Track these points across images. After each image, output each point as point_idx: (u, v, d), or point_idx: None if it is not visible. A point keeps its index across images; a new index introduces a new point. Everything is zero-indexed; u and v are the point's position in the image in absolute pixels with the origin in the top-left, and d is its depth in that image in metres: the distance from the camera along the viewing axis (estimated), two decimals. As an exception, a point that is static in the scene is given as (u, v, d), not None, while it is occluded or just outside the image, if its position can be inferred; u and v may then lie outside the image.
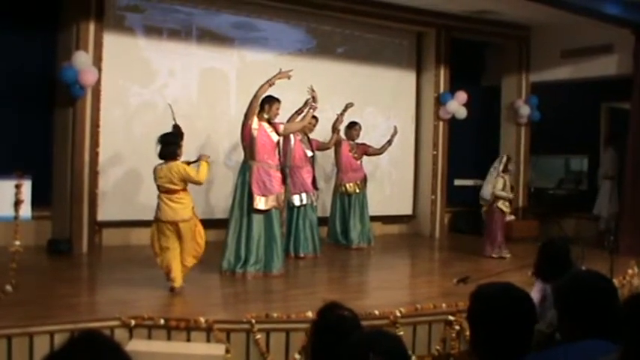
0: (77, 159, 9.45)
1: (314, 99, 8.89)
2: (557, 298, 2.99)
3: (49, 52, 9.71)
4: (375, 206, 11.60)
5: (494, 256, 10.09)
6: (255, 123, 8.20)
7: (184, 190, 7.09)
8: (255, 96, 8.18)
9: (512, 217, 10.76)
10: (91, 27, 9.48)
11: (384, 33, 12.58)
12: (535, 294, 5.11)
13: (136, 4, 10.18)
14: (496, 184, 10.21)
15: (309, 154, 10.02)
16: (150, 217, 7.30)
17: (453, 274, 8.34)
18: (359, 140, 11.00)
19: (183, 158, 7.25)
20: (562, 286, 3.00)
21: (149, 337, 5.89)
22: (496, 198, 10.21)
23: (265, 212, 8.19)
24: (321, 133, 10.61)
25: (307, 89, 8.94)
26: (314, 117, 9.63)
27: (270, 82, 8.14)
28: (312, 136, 10.23)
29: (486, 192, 10.39)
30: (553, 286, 3.14)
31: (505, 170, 10.34)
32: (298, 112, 9.44)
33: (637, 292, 5.27)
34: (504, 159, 10.48)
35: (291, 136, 9.61)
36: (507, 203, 10.35)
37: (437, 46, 12.71)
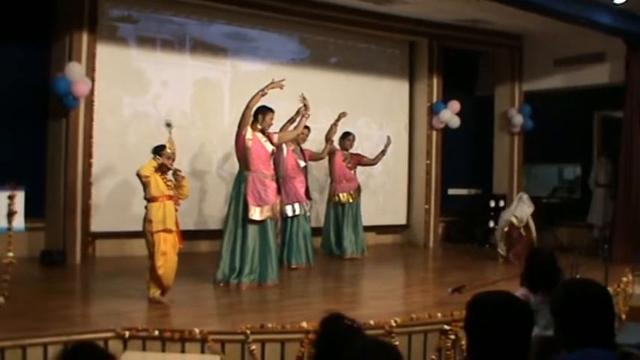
0: (70, 170, 9.43)
1: (306, 107, 8.89)
2: (554, 306, 2.99)
3: (42, 63, 9.69)
4: (369, 216, 11.60)
5: None
6: (249, 133, 8.18)
7: (146, 199, 7.08)
8: (248, 107, 8.17)
9: None
10: (84, 38, 9.48)
11: (376, 43, 12.62)
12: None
13: (129, 14, 10.19)
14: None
15: (302, 164, 10.00)
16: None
17: (448, 284, 8.33)
18: (353, 150, 11.00)
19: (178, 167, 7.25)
20: (558, 294, 3.00)
21: (143, 348, 5.86)
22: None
23: (260, 223, 8.17)
24: (315, 143, 10.62)
25: (298, 97, 8.94)
26: (306, 127, 9.64)
27: (262, 93, 8.13)
28: (305, 146, 10.23)
29: (526, 213, 10.66)
30: (551, 295, 3.13)
31: None
32: (290, 121, 9.44)
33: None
34: None
35: (284, 146, 9.59)
36: None
37: (429, 55, 12.75)
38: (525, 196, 10.77)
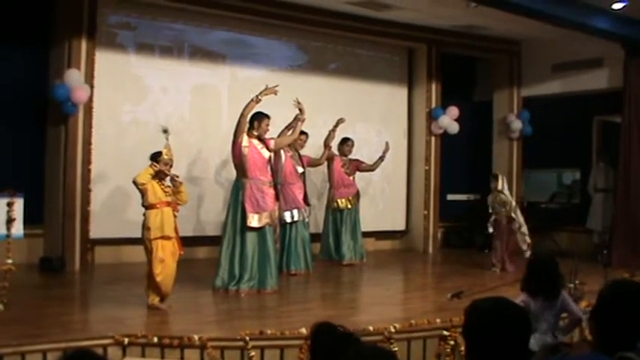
0: (69, 176, 9.43)
1: (301, 111, 8.85)
2: (601, 305, 2.95)
3: (41, 69, 9.70)
4: (368, 222, 11.60)
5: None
6: (245, 141, 8.16)
7: (144, 206, 7.09)
8: (242, 114, 8.14)
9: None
10: (83, 44, 9.48)
11: (375, 49, 12.63)
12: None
13: (128, 21, 10.19)
14: None
15: (300, 170, 10.00)
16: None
17: (447, 289, 8.32)
18: (351, 156, 11.00)
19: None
20: (609, 294, 2.96)
21: (142, 355, 5.85)
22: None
23: (259, 230, 8.16)
24: (313, 148, 10.61)
25: (293, 102, 8.89)
26: (304, 133, 9.64)
27: (256, 100, 8.09)
28: (303, 152, 10.22)
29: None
30: (600, 293, 3.08)
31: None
32: (288, 127, 9.42)
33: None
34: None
35: (282, 152, 9.60)
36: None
37: (428, 61, 12.76)
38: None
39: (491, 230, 10.44)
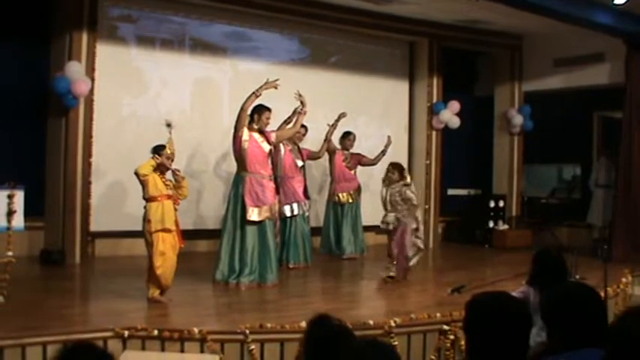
0: (70, 169, 9.42)
1: (302, 104, 8.80)
2: (546, 311, 2.98)
3: (41, 62, 9.68)
4: (369, 216, 11.56)
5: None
6: (245, 134, 8.14)
7: (145, 199, 7.07)
8: (242, 109, 8.12)
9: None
10: (84, 37, 9.46)
11: (376, 43, 12.61)
12: (516, 295, 5.12)
13: (129, 14, 10.18)
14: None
15: (300, 163, 9.99)
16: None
17: (448, 284, 8.32)
18: (353, 150, 10.98)
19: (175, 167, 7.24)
20: (549, 300, 3.00)
21: (143, 348, 5.85)
22: None
23: (259, 223, 8.15)
24: (315, 142, 10.60)
25: (294, 94, 8.80)
26: (303, 126, 9.60)
27: (256, 94, 8.09)
28: (303, 145, 10.21)
29: None
30: (541, 301, 3.13)
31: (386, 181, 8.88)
32: (287, 121, 9.41)
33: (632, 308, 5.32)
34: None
35: (281, 146, 9.58)
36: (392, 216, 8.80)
37: (429, 55, 12.74)
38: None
39: (391, 227, 8.79)
